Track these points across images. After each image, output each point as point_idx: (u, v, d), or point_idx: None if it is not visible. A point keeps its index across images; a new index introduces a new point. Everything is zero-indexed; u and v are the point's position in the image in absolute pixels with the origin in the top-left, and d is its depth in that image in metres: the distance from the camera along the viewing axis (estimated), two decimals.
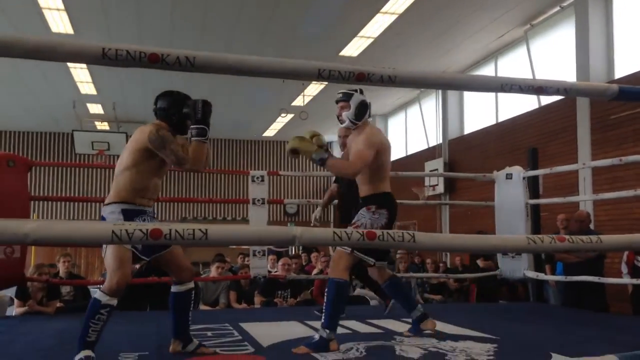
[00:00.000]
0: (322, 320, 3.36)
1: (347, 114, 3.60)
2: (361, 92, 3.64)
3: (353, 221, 3.60)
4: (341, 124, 3.69)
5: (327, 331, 3.33)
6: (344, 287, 3.45)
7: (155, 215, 3.34)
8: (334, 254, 3.59)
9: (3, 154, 5.05)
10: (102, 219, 3.06)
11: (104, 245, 2.99)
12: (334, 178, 5.26)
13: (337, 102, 3.68)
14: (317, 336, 3.36)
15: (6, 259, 4.76)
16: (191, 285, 3.34)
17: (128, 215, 2.99)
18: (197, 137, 3.09)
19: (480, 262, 7.79)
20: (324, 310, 3.39)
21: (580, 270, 5.49)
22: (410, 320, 3.96)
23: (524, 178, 5.91)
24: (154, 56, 1.81)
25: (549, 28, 9.42)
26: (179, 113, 3.15)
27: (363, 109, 3.60)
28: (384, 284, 3.89)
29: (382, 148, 3.58)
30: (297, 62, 2.05)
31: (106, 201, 3.09)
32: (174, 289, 3.32)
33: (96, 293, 2.97)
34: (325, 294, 3.42)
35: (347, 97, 3.61)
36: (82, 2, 8.40)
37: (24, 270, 5.06)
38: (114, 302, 2.95)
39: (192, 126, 3.10)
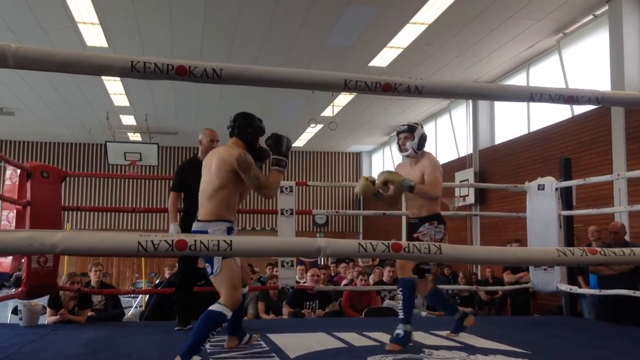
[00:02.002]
0: (402, 317, 3.80)
1: (411, 144, 4.12)
2: (421, 126, 4.21)
3: (419, 230, 4.08)
4: (402, 152, 4.20)
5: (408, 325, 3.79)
6: (414, 284, 3.96)
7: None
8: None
9: (37, 165, 5.11)
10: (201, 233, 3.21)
11: (217, 266, 3.21)
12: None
13: (398, 133, 4.19)
14: (400, 332, 3.76)
15: (40, 268, 4.85)
16: (245, 289, 3.65)
17: (230, 234, 3.30)
18: (277, 167, 3.44)
19: (505, 276, 7.62)
20: (401, 308, 3.83)
21: (616, 283, 5.36)
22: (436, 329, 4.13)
23: (556, 189, 5.81)
24: (182, 68, 1.84)
25: (582, 37, 9.26)
26: (253, 132, 3.56)
27: (424, 140, 4.16)
28: (428, 294, 4.31)
29: (441, 174, 4.15)
30: (323, 73, 2.05)
31: (207, 217, 3.34)
32: None
33: (219, 307, 3.14)
34: (400, 293, 3.88)
35: (411, 129, 4.13)
36: (116, 16, 8.59)
37: (56, 279, 5.15)
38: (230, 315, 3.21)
39: (273, 156, 3.45)
